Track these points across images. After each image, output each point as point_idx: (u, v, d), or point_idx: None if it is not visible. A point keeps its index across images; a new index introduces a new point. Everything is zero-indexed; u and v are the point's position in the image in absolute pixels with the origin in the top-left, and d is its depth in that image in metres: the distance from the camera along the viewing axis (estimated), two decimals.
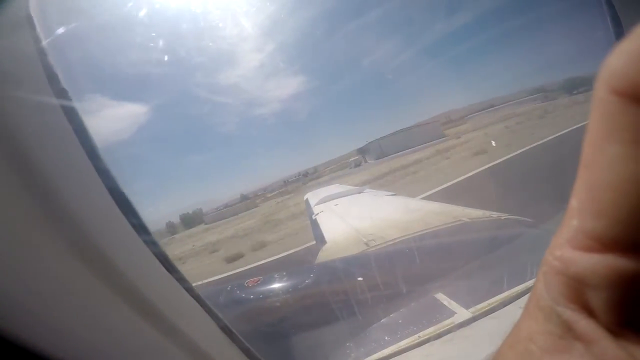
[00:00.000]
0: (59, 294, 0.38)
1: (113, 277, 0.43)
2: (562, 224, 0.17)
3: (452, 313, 1.02)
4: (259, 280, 1.42)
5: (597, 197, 0.15)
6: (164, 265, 0.54)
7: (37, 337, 0.32)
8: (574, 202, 0.16)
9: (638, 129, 0.13)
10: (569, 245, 0.16)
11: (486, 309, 0.97)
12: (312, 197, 5.60)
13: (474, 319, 0.95)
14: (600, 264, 0.15)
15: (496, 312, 0.94)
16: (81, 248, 0.40)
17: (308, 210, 4.77)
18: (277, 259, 6.55)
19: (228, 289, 1.39)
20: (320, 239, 2.70)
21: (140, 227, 0.51)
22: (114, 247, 0.44)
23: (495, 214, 2.07)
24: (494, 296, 1.00)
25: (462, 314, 0.99)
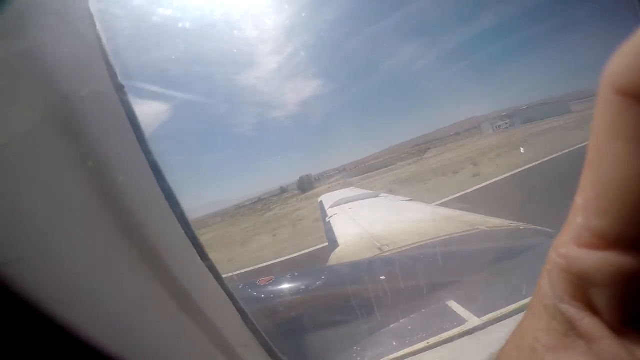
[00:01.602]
0: (113, 285, 0.41)
1: (160, 271, 0.46)
2: (567, 221, 0.17)
3: (463, 320, 1.00)
4: (271, 279, 1.44)
5: (601, 195, 0.15)
6: (201, 257, 0.57)
7: (93, 329, 0.35)
8: (579, 200, 0.16)
9: None
10: (574, 243, 0.16)
11: (497, 317, 0.94)
12: (327, 199, 5.59)
13: (484, 327, 0.93)
14: (604, 261, 0.15)
15: (508, 320, 0.92)
16: (136, 245, 0.43)
17: (322, 212, 4.77)
18: None
19: (240, 287, 1.42)
20: (333, 242, 2.69)
21: (185, 223, 0.54)
22: (163, 242, 0.48)
23: (514, 224, 2.01)
24: (506, 305, 0.97)
25: (473, 321, 0.97)
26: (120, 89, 0.47)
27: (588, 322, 0.16)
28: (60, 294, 0.34)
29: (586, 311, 0.16)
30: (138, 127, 0.49)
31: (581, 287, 0.16)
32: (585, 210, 0.16)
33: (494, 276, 1.28)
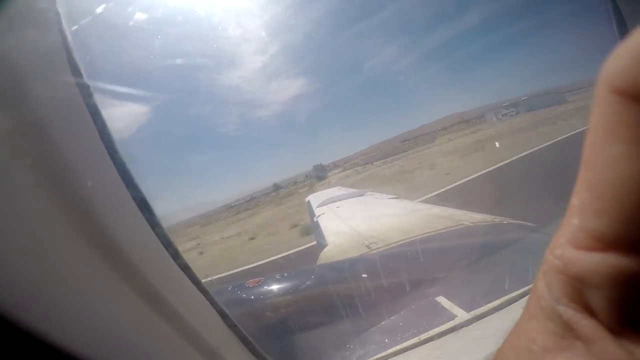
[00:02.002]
0: (79, 288, 0.39)
1: (128, 271, 0.44)
2: (563, 223, 0.17)
3: (452, 316, 1.02)
4: (260, 280, 1.42)
5: (598, 196, 0.15)
6: (176, 263, 0.55)
7: (55, 329, 0.33)
8: (575, 201, 0.16)
9: (638, 128, 0.13)
10: (570, 245, 0.16)
11: (486, 311, 0.96)
12: (314, 199, 5.59)
13: (474, 321, 0.95)
14: (601, 263, 0.15)
15: (497, 314, 0.94)
16: (102, 246, 0.41)
17: (310, 212, 4.76)
18: None
19: (229, 289, 1.39)
20: (322, 241, 2.69)
21: (154, 223, 0.52)
22: (131, 244, 0.46)
23: (497, 218, 2.06)
24: (495, 299, 0.99)
25: (463, 316, 0.99)
26: (85, 89, 0.45)
27: (585, 324, 0.16)
28: (28, 302, 0.32)
29: (583, 313, 0.16)
30: (104, 128, 0.47)
31: (578, 289, 0.16)
32: (581, 211, 0.16)
33: (481, 271, 1.31)
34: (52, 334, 0.32)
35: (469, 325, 0.95)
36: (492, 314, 0.95)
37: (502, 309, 0.95)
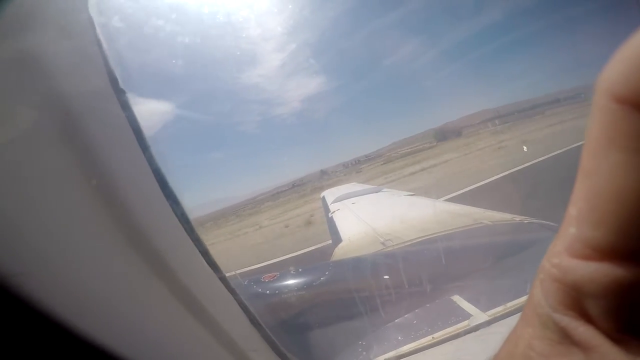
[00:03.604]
0: (114, 285, 0.41)
1: (163, 270, 0.47)
2: (560, 231, 0.17)
3: (467, 315, 1.01)
4: (275, 275, 1.45)
5: (596, 205, 0.15)
6: (204, 258, 0.58)
7: (92, 325, 0.35)
8: (572, 210, 0.16)
9: (638, 137, 0.13)
10: (567, 253, 0.16)
11: (503, 312, 0.95)
12: (329, 195, 5.60)
13: (490, 322, 0.94)
14: (598, 272, 0.15)
15: (513, 317, 0.92)
16: (136, 243, 0.44)
17: (325, 207, 4.78)
18: None
19: (245, 283, 1.43)
20: (337, 237, 2.70)
21: (186, 223, 0.54)
22: (165, 243, 0.48)
23: (518, 217, 2.00)
24: (511, 300, 0.97)
25: (478, 316, 0.98)
26: (121, 94, 0.47)
27: (583, 331, 0.16)
28: (70, 302, 0.34)
29: (580, 320, 0.16)
30: (139, 132, 0.49)
31: (575, 297, 0.16)
32: (578, 220, 0.16)
33: (499, 271, 1.28)
34: (92, 334, 0.34)
35: (484, 326, 0.94)
36: (509, 315, 0.93)
37: (519, 311, 0.93)
